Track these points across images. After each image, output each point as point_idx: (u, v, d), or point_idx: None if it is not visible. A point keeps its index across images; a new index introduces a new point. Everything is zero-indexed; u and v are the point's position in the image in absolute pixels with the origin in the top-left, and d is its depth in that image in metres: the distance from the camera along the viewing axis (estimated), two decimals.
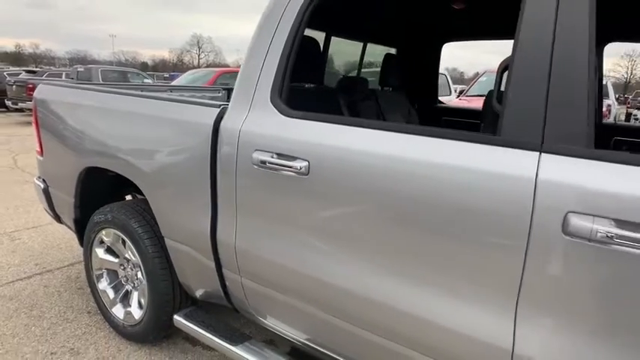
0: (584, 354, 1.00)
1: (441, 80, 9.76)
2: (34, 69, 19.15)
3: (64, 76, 14.04)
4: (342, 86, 2.47)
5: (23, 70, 15.60)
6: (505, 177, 1.05)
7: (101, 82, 10.45)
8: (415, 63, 3.21)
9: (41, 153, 2.52)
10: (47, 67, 33.80)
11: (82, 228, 2.36)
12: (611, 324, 0.96)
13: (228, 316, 2.22)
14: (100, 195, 2.32)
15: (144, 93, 2.19)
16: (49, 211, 2.64)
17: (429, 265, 1.19)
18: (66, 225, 2.59)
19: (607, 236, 0.93)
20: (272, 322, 1.70)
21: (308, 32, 2.00)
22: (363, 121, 1.35)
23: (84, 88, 2.29)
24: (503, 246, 1.06)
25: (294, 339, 1.65)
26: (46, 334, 2.27)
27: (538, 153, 1.03)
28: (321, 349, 1.57)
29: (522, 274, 1.04)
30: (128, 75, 13.68)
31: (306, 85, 2.11)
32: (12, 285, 2.76)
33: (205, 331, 1.81)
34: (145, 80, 13.75)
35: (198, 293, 1.92)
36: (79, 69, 13.44)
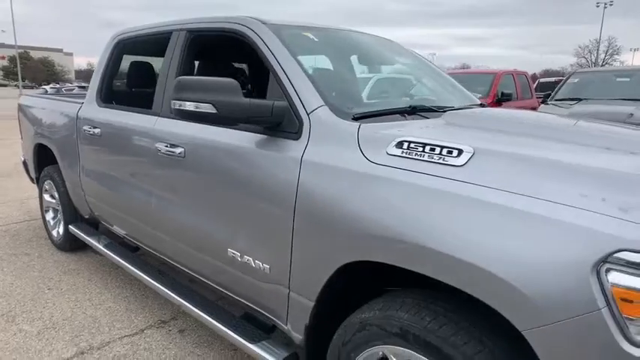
0: (171, 207, 2.20)
1: None
2: (84, 84, 22.11)
3: None
4: None
5: (76, 86, 18.29)
6: (147, 128, 2.28)
7: None
8: None
9: (22, 138, 4.02)
10: None
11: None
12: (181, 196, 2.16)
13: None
14: (48, 161, 3.74)
15: (57, 96, 3.60)
16: (28, 175, 4.13)
17: (118, 171, 2.44)
18: (35, 183, 4.05)
19: (161, 150, 2.14)
20: (113, 227, 2.99)
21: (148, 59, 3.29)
22: (124, 107, 2.62)
23: (36, 96, 3.75)
24: (157, 157, 2.28)
25: (122, 235, 2.93)
26: (16, 247, 3.73)
27: (157, 117, 2.26)
28: (134, 240, 2.83)
29: (155, 174, 2.26)
30: None
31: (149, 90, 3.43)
32: (7, 225, 4.29)
33: (81, 231, 3.16)
34: None
35: (84, 213, 3.26)
36: None
